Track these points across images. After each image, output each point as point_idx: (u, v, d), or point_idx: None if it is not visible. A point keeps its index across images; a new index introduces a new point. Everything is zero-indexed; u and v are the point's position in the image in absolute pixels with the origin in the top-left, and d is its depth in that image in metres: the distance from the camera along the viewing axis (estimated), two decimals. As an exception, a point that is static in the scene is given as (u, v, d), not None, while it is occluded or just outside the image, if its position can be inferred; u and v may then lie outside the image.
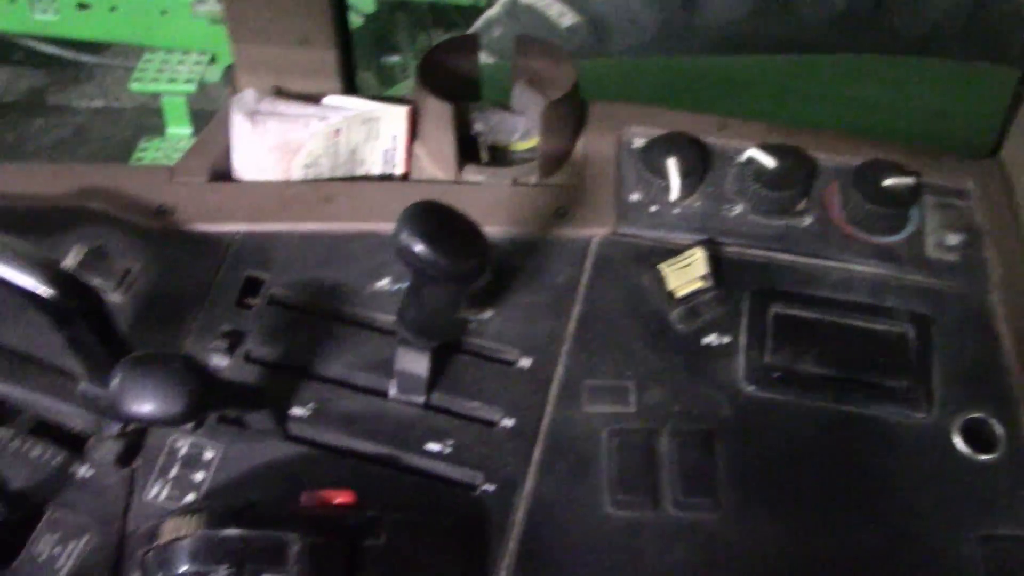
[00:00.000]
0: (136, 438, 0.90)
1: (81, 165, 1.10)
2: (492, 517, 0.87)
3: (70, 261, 0.97)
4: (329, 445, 0.91)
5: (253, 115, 1.06)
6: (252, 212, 1.04)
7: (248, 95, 1.08)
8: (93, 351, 0.88)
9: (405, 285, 1.00)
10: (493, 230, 1.01)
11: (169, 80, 2.98)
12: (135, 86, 2.99)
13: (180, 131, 3.03)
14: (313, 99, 1.12)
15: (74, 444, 0.91)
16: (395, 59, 3.18)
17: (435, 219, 0.77)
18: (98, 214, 1.04)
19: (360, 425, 0.92)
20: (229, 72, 2.33)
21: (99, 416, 0.91)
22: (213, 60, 3.04)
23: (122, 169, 1.09)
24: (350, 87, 1.16)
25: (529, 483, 0.88)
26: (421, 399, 0.93)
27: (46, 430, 0.92)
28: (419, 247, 0.75)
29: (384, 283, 1.00)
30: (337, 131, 1.07)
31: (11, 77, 3.78)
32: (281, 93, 1.12)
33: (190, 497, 0.87)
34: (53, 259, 0.84)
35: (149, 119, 3.41)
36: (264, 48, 1.11)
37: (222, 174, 1.10)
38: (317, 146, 1.06)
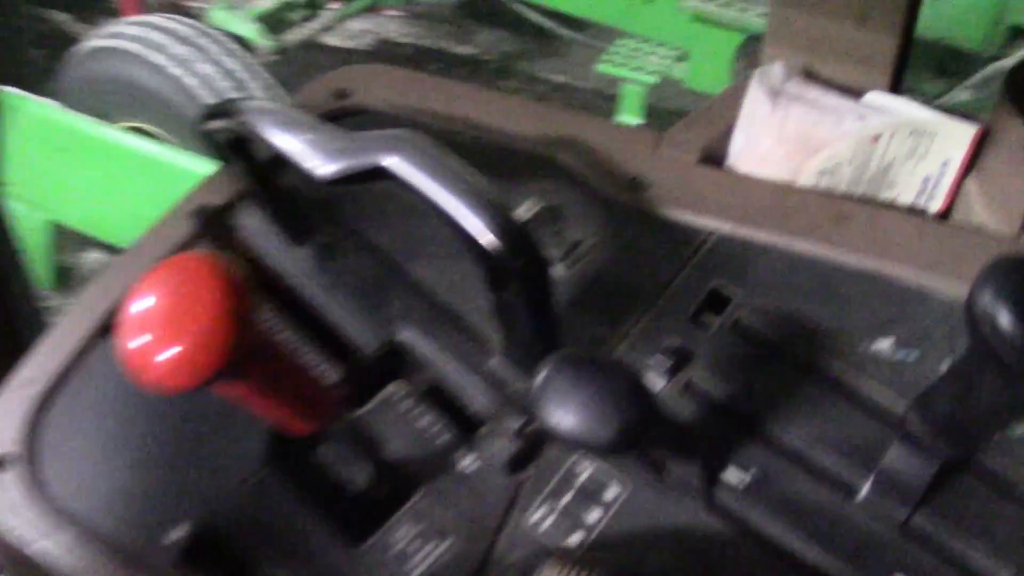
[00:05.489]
0: (536, 443, 0.74)
1: (568, 112, 0.95)
2: None
3: (521, 213, 0.82)
4: (759, 532, 0.69)
5: (776, 95, 0.85)
6: (741, 212, 0.83)
7: (775, 70, 0.87)
8: (519, 323, 0.73)
9: (913, 354, 0.75)
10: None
11: (635, 68, 2.95)
12: (602, 67, 3.01)
13: (630, 121, 2.98)
14: (848, 91, 0.88)
15: (466, 425, 0.77)
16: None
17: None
18: (566, 169, 0.88)
19: (807, 522, 0.68)
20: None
21: (501, 401, 0.76)
22: (681, 58, 3.00)
23: (608, 125, 0.93)
24: (897, 86, 0.91)
25: None
26: (902, 515, 0.68)
27: (440, 398, 0.78)
28: (1005, 318, 0.50)
29: (885, 345, 0.75)
30: (876, 137, 0.83)
31: (494, 39, 4.01)
32: (811, 76, 0.90)
33: (576, 538, 0.69)
34: (507, 205, 0.69)
35: (601, 103, 3.40)
36: (809, 17, 0.89)
37: (714, 158, 0.90)
38: (845, 150, 0.83)
